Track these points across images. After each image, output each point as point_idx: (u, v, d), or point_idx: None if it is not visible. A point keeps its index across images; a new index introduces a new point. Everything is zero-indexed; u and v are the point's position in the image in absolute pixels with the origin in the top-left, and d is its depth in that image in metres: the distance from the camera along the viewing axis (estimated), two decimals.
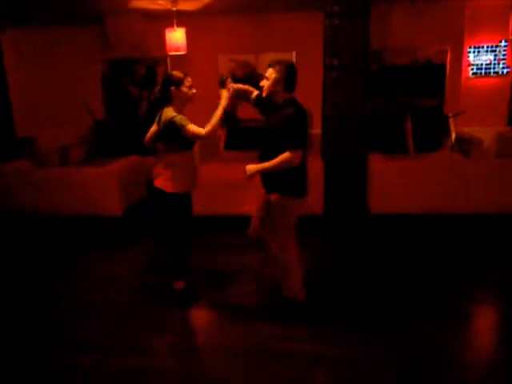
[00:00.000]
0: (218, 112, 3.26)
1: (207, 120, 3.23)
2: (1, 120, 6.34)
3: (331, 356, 2.88)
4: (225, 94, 3.30)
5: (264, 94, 3.23)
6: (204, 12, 6.15)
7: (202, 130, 3.22)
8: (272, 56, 6.59)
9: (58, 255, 4.71)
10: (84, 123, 6.57)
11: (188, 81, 3.36)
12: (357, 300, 3.58)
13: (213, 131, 3.25)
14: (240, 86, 3.46)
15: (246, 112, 6.44)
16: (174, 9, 5.63)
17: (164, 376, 2.79)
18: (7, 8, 5.45)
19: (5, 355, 3.07)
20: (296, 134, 3.10)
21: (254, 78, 6.39)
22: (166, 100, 3.35)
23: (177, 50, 5.82)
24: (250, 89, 3.52)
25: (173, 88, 3.30)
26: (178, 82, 3.31)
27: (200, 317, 3.64)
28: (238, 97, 3.49)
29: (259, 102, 3.44)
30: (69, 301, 3.76)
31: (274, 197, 3.25)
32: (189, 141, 3.32)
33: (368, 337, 3.07)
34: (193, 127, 3.22)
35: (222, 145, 6.34)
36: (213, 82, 6.83)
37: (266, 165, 3.13)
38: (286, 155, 3.07)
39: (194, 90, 3.39)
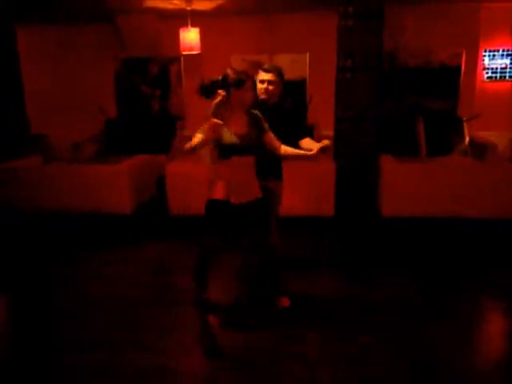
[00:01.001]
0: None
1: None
2: (14, 116, 6.43)
3: (332, 356, 2.87)
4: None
5: (267, 97, 3.27)
6: (218, 12, 6.18)
7: (191, 143, 2.98)
8: (286, 57, 6.69)
9: (66, 251, 4.71)
10: (96, 121, 6.61)
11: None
12: (358, 301, 3.55)
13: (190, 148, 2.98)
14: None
15: None
16: (189, 8, 5.65)
17: (164, 376, 2.78)
18: (22, 7, 5.51)
19: (5, 355, 3.07)
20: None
21: None
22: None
23: (190, 49, 5.83)
24: None
25: (233, 89, 3.00)
26: (239, 84, 3.01)
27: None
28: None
29: None
30: (74, 298, 3.74)
31: (274, 183, 3.41)
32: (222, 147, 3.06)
33: (369, 337, 3.05)
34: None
35: None
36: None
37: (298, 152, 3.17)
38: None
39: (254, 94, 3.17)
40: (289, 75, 6.15)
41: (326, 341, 3.04)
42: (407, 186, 4.91)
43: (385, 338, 3.04)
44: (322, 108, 6.07)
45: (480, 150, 6.03)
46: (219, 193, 3.09)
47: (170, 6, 5.72)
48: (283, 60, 6.54)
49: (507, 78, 6.87)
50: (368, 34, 4.73)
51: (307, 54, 6.84)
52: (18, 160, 5.56)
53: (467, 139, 6.16)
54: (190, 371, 2.82)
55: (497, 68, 6.88)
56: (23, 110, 6.59)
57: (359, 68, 4.78)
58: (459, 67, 6.81)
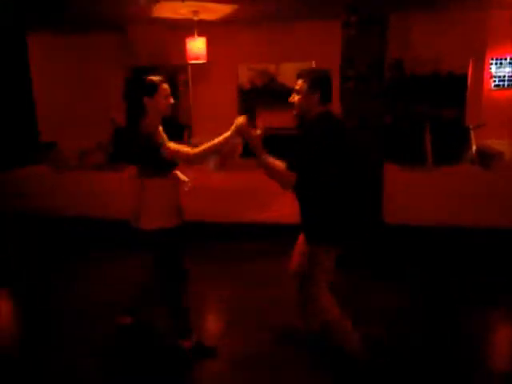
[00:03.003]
0: (220, 140, 2.76)
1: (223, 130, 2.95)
2: (25, 124, 6.54)
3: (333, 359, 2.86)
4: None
5: (296, 112, 2.78)
6: (225, 21, 6.25)
7: (188, 151, 2.77)
8: (292, 65, 6.69)
9: (71, 256, 4.80)
10: (105, 129, 6.69)
11: (164, 88, 2.83)
12: (358, 310, 3.43)
13: (201, 156, 2.79)
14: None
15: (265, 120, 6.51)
16: (196, 18, 5.73)
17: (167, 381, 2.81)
18: (34, 15, 5.62)
19: (8, 354, 3.12)
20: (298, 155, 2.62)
21: (273, 87, 6.51)
22: (138, 113, 2.83)
23: (197, 58, 5.90)
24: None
25: (146, 98, 2.79)
26: (152, 90, 2.79)
27: (207, 322, 3.66)
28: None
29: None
30: (74, 302, 3.81)
31: None
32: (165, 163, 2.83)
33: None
34: (174, 145, 2.79)
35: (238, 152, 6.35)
36: (232, 91, 7.05)
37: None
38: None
39: (171, 100, 2.88)
40: (295, 84, 6.21)
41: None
42: (411, 195, 4.89)
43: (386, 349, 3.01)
44: None
45: (487, 158, 5.98)
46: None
47: (178, 17, 5.80)
48: (289, 68, 6.55)
49: None
50: (371, 43, 4.67)
51: (313, 63, 6.78)
52: (29, 167, 5.69)
53: (474, 148, 6.12)
54: (195, 375, 2.85)
55: (504, 76, 6.82)
56: (34, 118, 6.69)
57: (362, 77, 4.72)
58: (466, 75, 6.78)
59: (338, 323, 2.69)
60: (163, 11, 5.55)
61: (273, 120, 6.07)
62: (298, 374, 2.81)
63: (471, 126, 6.30)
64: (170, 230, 2.84)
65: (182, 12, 5.58)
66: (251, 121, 2.81)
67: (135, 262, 4.46)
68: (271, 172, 2.68)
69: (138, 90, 2.82)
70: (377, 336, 3.08)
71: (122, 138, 6.52)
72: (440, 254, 4.63)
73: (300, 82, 2.71)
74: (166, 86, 2.83)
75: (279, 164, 2.64)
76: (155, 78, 2.80)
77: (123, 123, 7.22)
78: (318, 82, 2.69)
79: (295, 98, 2.73)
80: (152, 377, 2.83)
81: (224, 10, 5.50)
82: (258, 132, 2.72)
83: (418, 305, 3.65)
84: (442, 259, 4.52)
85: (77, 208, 5.30)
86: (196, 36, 5.89)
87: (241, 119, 2.72)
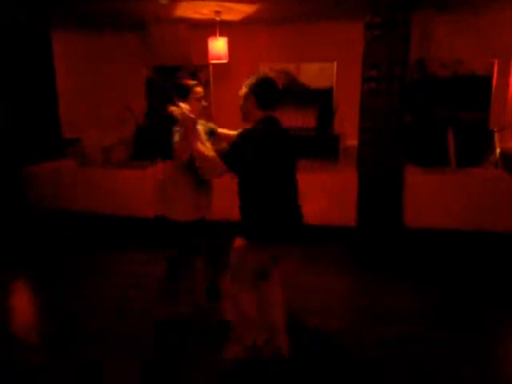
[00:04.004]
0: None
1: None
2: (48, 120, 6.65)
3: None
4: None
5: (241, 117, 2.84)
6: (246, 21, 6.24)
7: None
8: (313, 66, 6.68)
9: (88, 253, 4.88)
10: (128, 126, 6.78)
11: (197, 91, 2.97)
12: (375, 311, 3.52)
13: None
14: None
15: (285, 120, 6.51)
16: (218, 19, 5.75)
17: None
18: (57, 15, 5.73)
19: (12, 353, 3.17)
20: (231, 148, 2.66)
21: (294, 88, 6.50)
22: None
23: (218, 58, 5.93)
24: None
25: (179, 101, 2.87)
26: (185, 93, 2.93)
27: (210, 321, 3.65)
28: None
29: None
30: (90, 298, 3.89)
31: None
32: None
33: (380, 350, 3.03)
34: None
35: None
36: None
37: None
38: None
39: (204, 103, 3.01)
40: (316, 84, 6.20)
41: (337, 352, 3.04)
42: (432, 197, 4.87)
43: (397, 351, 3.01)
44: (348, 117, 6.04)
45: (511, 161, 5.91)
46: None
47: (200, 16, 5.83)
48: (310, 69, 6.49)
49: None
50: (393, 44, 4.69)
51: (335, 63, 6.74)
52: (52, 162, 5.85)
53: (498, 151, 6.04)
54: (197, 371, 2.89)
55: None
56: (57, 115, 6.81)
57: (384, 78, 4.75)
58: (491, 77, 6.67)
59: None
60: (185, 11, 5.59)
61: (293, 120, 6.08)
62: (295, 374, 2.82)
63: (495, 129, 6.22)
64: (190, 224, 3.11)
65: (204, 12, 5.60)
66: None
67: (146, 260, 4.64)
68: (202, 158, 2.71)
69: (172, 92, 2.92)
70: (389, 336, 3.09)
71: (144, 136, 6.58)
72: (460, 257, 4.59)
73: (242, 88, 2.77)
74: (199, 89, 2.97)
75: (210, 153, 2.71)
76: (189, 82, 2.94)
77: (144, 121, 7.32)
78: (252, 87, 2.73)
79: (239, 103, 2.79)
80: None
81: (246, 10, 5.51)
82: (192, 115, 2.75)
83: (433, 306, 3.64)
84: (463, 263, 4.48)
85: (93, 204, 5.44)
86: (218, 36, 5.92)
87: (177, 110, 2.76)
